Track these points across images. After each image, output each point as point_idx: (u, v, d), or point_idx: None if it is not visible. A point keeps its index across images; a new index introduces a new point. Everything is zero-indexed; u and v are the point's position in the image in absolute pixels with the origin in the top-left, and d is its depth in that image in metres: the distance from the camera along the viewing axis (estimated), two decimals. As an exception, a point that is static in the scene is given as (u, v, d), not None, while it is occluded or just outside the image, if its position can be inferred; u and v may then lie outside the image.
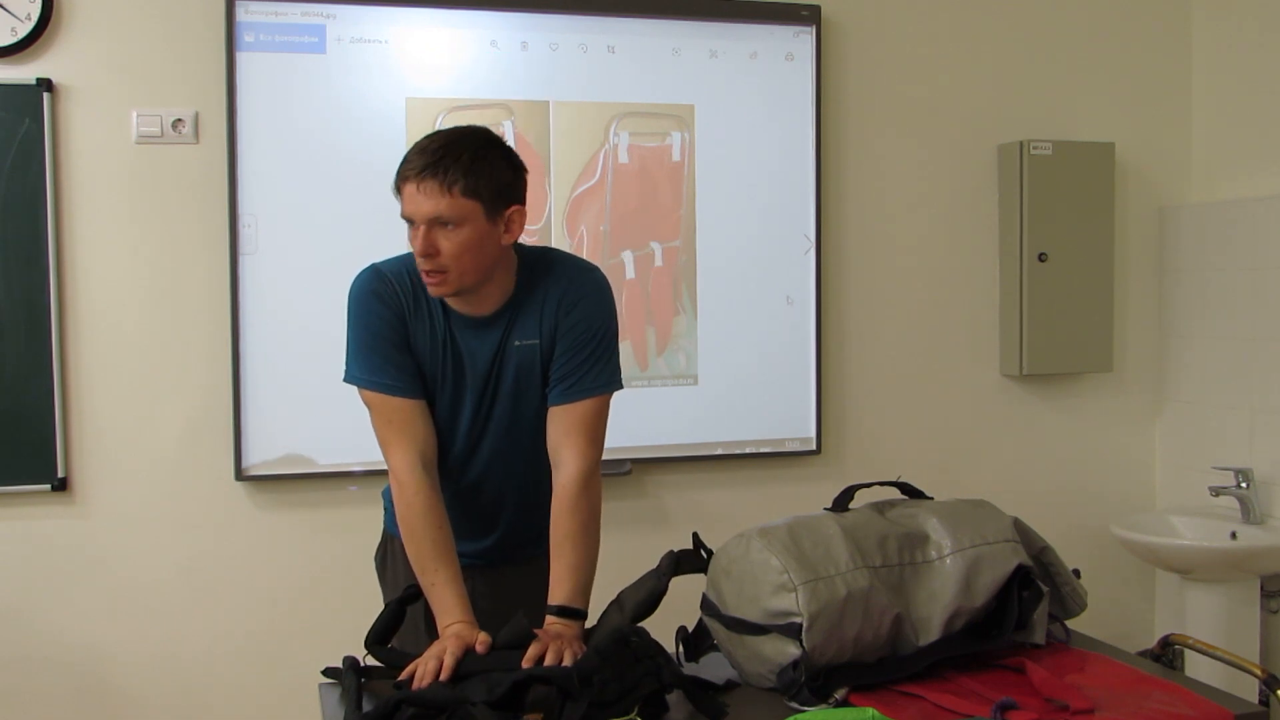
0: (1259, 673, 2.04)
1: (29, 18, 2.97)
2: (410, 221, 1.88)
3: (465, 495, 2.08)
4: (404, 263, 2.01)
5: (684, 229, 3.45)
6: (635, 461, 3.40)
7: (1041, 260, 3.63)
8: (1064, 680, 1.72)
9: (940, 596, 1.79)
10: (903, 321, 3.67)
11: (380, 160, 3.11)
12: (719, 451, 3.49)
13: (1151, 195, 3.87)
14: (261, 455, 3.14)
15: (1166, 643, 2.19)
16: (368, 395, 1.99)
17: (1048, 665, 1.77)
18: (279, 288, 3.13)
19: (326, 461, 3.18)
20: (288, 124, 3.13)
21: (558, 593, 1.89)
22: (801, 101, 3.52)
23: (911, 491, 2.02)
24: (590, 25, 3.33)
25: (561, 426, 1.99)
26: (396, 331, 1.97)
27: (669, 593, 1.87)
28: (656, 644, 1.74)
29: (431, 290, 1.93)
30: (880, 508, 1.93)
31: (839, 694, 1.69)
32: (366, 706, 1.65)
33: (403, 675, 1.71)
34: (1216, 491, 3.53)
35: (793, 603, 1.70)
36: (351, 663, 1.77)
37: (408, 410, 1.97)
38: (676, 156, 3.43)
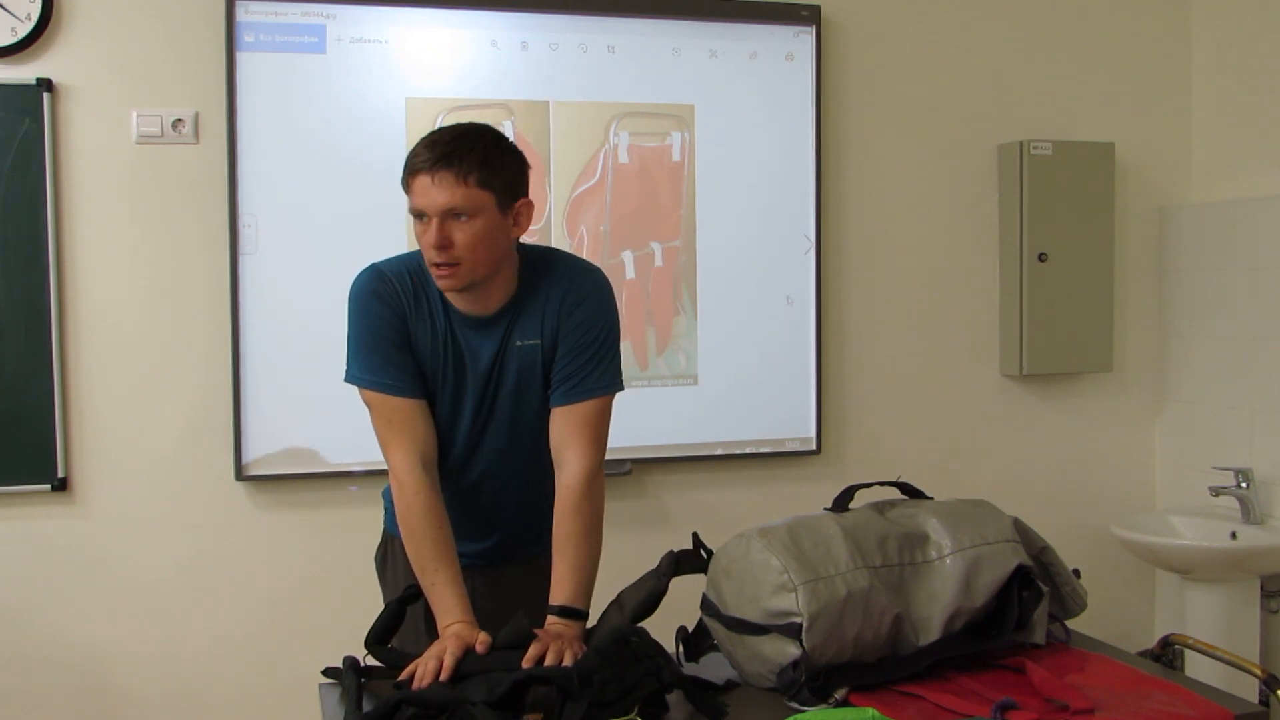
0: (1259, 673, 2.04)
1: (29, 18, 2.97)
2: (420, 215, 1.88)
3: (465, 495, 2.08)
4: (405, 262, 2.01)
5: (684, 229, 3.45)
6: (635, 461, 3.40)
7: (1041, 260, 3.63)
8: (1064, 680, 1.72)
9: (940, 596, 1.79)
10: (903, 321, 3.67)
11: (380, 160, 3.12)
12: (719, 451, 3.49)
13: (1151, 195, 3.87)
14: (261, 455, 3.14)
15: (1166, 643, 2.19)
16: (368, 395, 1.99)
17: (1048, 665, 1.77)
18: (279, 288, 3.13)
19: (326, 461, 3.18)
20: (288, 124, 3.13)
21: (559, 593, 1.89)
22: (801, 101, 3.52)
23: (911, 491, 2.02)
24: (590, 25, 3.33)
25: (564, 427, 1.99)
26: (397, 331, 1.97)
27: (669, 593, 1.87)
28: (656, 644, 1.74)
29: (442, 284, 1.92)
30: (880, 508, 1.93)
31: (839, 694, 1.69)
32: (366, 706, 1.65)
33: (403, 675, 1.71)
34: (1216, 491, 3.53)
35: (793, 603, 1.70)
36: (351, 663, 1.77)
37: (408, 410, 1.96)
38: (676, 156, 3.43)
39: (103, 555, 3.10)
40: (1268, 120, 3.60)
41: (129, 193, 3.08)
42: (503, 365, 2.01)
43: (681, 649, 1.88)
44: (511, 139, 1.98)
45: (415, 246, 1.96)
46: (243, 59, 3.08)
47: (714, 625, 1.84)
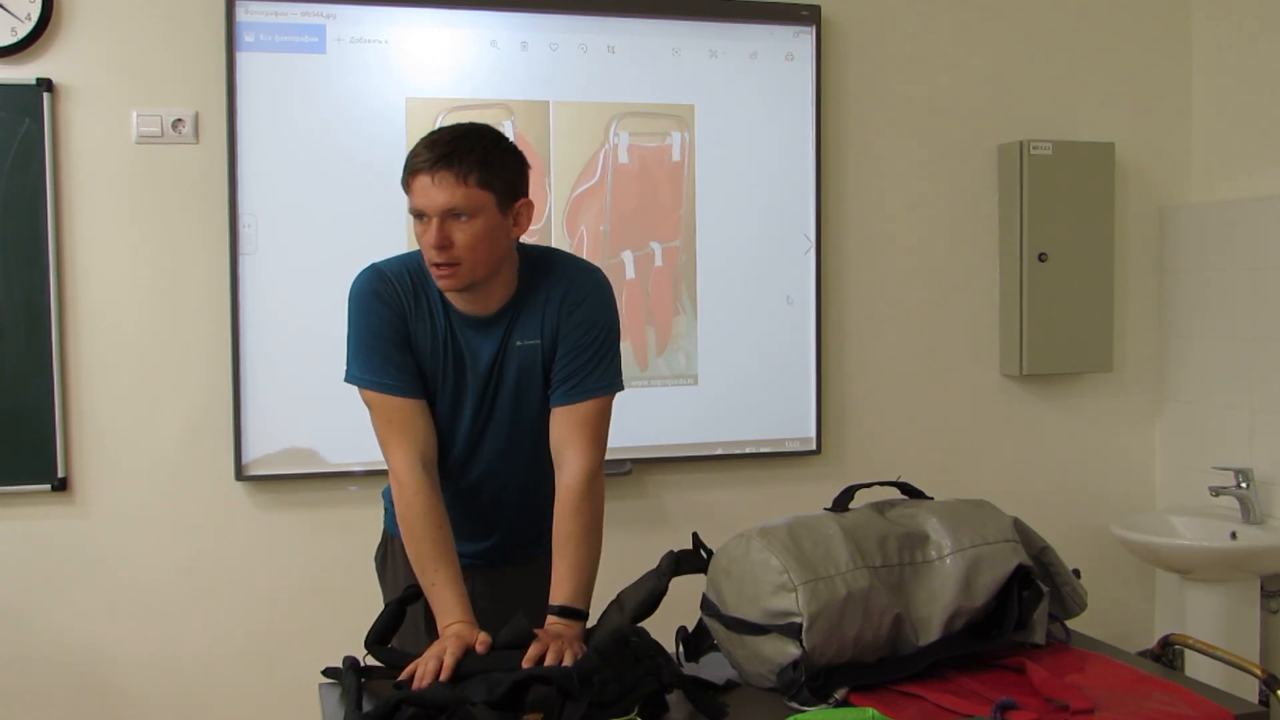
0: (1259, 673, 2.04)
1: (29, 18, 2.97)
2: (420, 215, 1.88)
3: (465, 495, 2.08)
4: (405, 262, 2.01)
5: (684, 229, 3.45)
6: (635, 461, 3.40)
7: (1041, 260, 3.63)
8: (1064, 680, 1.72)
9: (940, 596, 1.79)
10: (903, 321, 3.67)
11: (380, 160, 3.12)
12: (719, 451, 3.49)
13: (1151, 195, 3.87)
14: (261, 455, 3.14)
15: (1166, 643, 2.19)
16: (368, 395, 1.99)
17: (1048, 665, 1.77)
18: (279, 288, 3.13)
19: (326, 461, 3.18)
20: (288, 124, 3.13)
21: (560, 593, 1.89)
22: (801, 101, 3.52)
23: (911, 491, 2.02)
24: (590, 25, 3.33)
25: (565, 428, 1.99)
26: (397, 331, 1.97)
27: (669, 593, 1.87)
28: (656, 644, 1.74)
29: (442, 284, 1.92)
30: (880, 508, 1.93)
31: (839, 694, 1.69)
32: (366, 706, 1.65)
33: (403, 675, 1.71)
34: (1216, 491, 3.53)
35: (793, 603, 1.70)
36: (351, 663, 1.77)
37: (408, 410, 1.96)
38: (676, 156, 3.43)
39: (103, 555, 3.10)
40: (1268, 120, 3.60)
41: (129, 193, 3.08)
42: (503, 365, 2.01)
43: (681, 649, 1.88)
44: (511, 139, 1.99)
45: (415, 246, 1.96)
46: (243, 59, 3.08)
47: (714, 625, 1.84)
